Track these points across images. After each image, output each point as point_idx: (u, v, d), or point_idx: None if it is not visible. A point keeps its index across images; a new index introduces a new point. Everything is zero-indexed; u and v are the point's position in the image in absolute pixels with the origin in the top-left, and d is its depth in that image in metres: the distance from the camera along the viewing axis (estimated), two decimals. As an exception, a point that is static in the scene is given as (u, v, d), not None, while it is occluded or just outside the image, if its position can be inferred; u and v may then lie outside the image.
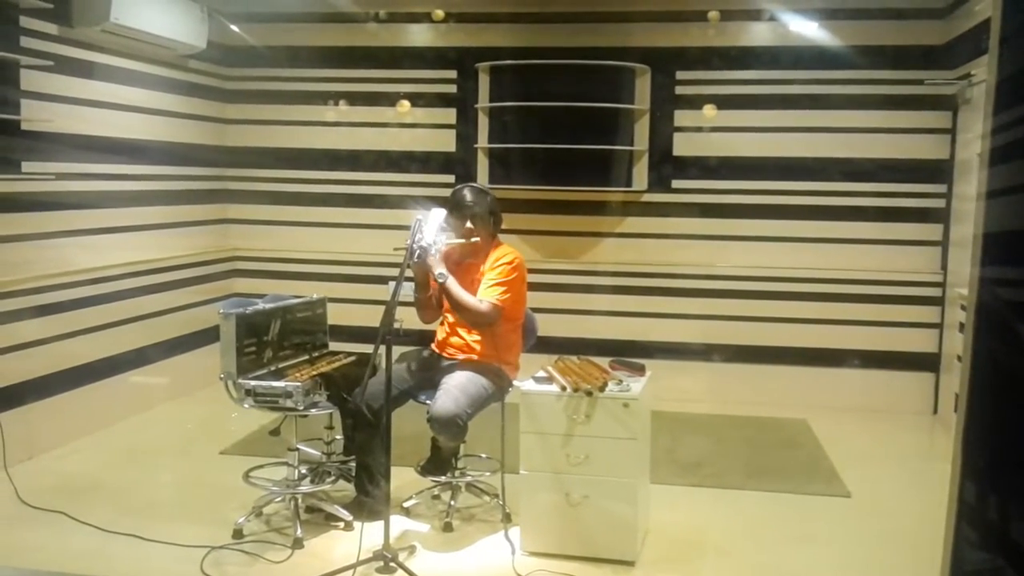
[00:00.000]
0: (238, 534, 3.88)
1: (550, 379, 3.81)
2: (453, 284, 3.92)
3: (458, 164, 6.60)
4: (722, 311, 6.38)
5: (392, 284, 4.07)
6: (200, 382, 6.10)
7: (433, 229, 3.87)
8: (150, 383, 5.80)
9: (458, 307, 3.95)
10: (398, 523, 4.05)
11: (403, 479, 4.32)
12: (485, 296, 3.97)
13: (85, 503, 4.19)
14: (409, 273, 3.99)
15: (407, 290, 3.79)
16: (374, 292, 6.21)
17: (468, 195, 4.10)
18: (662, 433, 5.26)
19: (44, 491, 4.32)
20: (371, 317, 3.90)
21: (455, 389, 3.84)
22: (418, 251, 3.80)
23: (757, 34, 6.25)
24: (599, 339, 6.29)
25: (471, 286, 4.02)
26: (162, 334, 5.91)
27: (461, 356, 4.09)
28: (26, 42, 4.62)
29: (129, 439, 5.32)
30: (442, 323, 4.23)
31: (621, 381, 3.77)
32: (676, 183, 6.43)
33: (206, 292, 6.39)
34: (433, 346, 4.26)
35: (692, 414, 6.03)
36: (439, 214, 3.92)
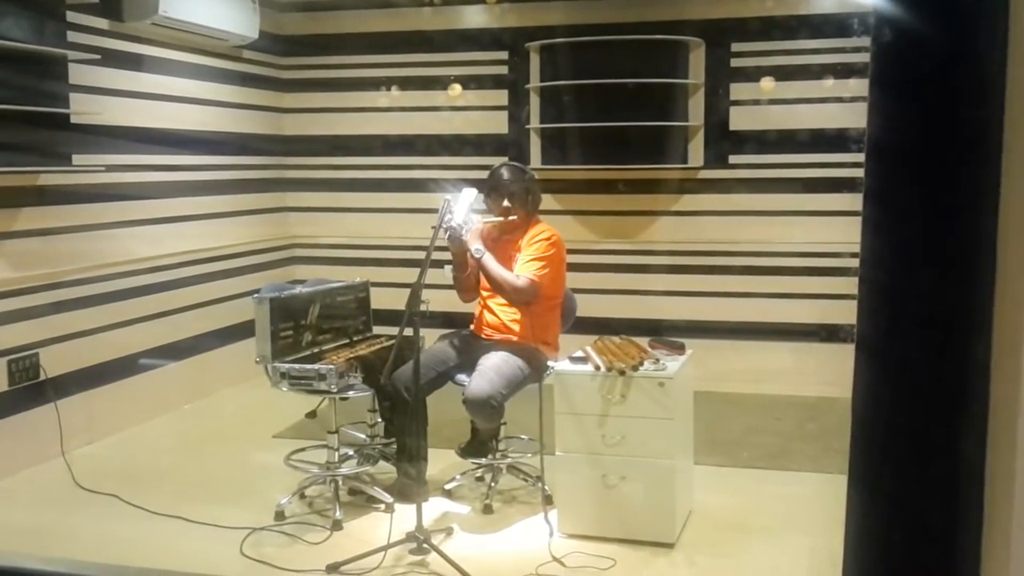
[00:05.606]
0: (280, 516, 3.92)
1: (587, 359, 3.75)
2: (489, 260, 3.89)
3: (511, 146, 6.53)
4: (784, 288, 6.17)
5: (447, 268, 4.10)
6: (258, 368, 6.17)
7: (464, 209, 3.84)
8: (209, 369, 5.91)
9: (495, 283, 3.91)
10: (439, 505, 4.05)
11: (447, 461, 4.32)
12: (522, 272, 3.92)
13: (139, 487, 4.28)
14: (448, 255, 3.99)
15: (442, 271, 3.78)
16: (429, 276, 6.19)
17: (505, 173, 4.09)
18: (715, 414, 5.17)
19: (100, 475, 4.42)
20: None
21: (490, 370, 3.80)
22: (448, 231, 3.78)
23: (815, 1, 6.03)
24: (656, 319, 6.14)
25: (508, 263, 3.98)
26: (221, 321, 6.01)
27: (498, 337, 4.06)
28: (73, 37, 4.71)
29: (188, 424, 5.43)
30: (479, 303, 4.20)
31: (658, 360, 3.69)
32: (733, 159, 6.25)
33: (266, 279, 6.44)
34: (472, 327, 4.24)
35: (750, 394, 5.88)
36: (470, 194, 3.89)
